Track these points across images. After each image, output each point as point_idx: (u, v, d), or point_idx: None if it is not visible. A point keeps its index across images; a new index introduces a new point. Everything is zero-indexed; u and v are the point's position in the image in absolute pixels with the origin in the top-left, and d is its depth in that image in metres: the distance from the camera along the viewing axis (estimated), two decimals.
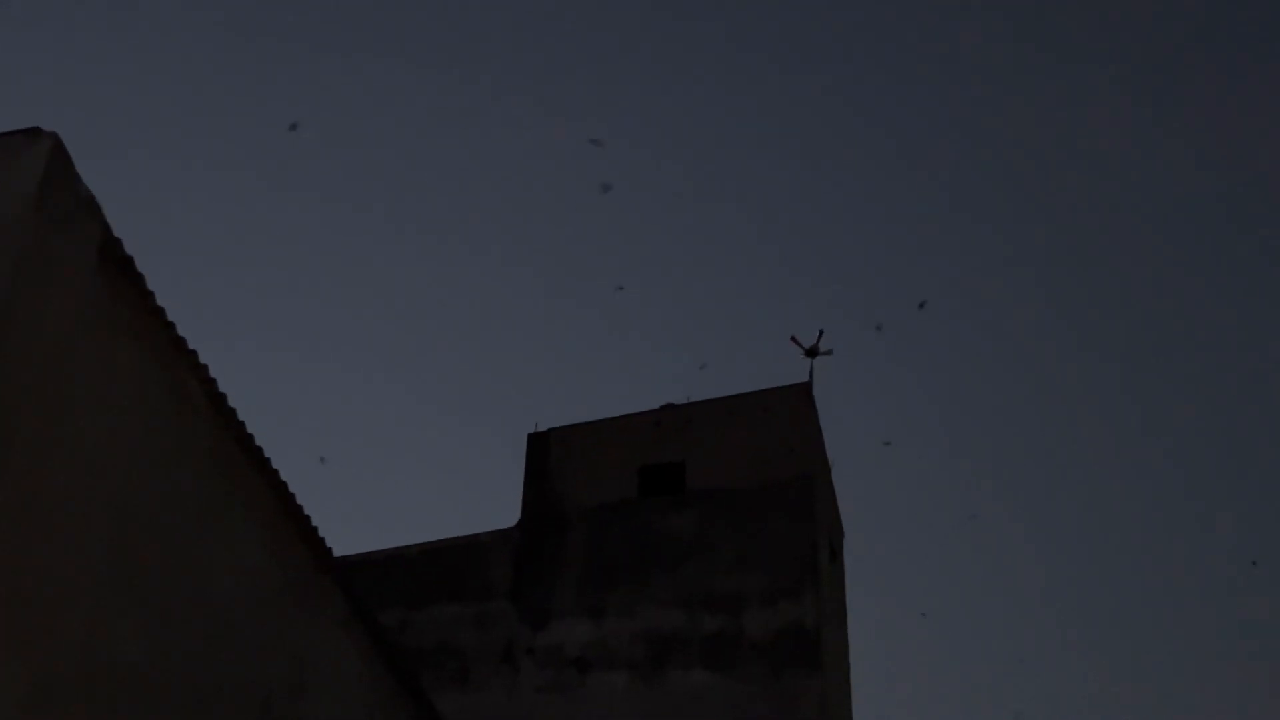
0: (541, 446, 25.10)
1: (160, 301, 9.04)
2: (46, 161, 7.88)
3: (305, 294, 56.76)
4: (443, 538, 24.17)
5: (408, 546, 24.49)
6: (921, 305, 50.40)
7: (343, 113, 54.86)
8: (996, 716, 53.18)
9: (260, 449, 9.93)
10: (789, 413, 24.19)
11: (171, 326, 9.19)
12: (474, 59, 55.09)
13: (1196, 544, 53.84)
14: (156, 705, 8.41)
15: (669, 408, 24.93)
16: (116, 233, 8.61)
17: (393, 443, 57.12)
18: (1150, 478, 55.12)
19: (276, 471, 10.22)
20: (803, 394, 24.47)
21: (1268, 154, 52.46)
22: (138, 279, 8.83)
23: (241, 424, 9.74)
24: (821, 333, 24.86)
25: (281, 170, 54.73)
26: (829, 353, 24.61)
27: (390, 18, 52.93)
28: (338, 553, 11.34)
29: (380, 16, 52.80)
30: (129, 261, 8.74)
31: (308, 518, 10.59)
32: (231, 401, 9.73)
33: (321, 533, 10.93)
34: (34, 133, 7.97)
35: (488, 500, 57.84)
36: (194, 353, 9.38)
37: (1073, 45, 53.31)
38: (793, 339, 25.08)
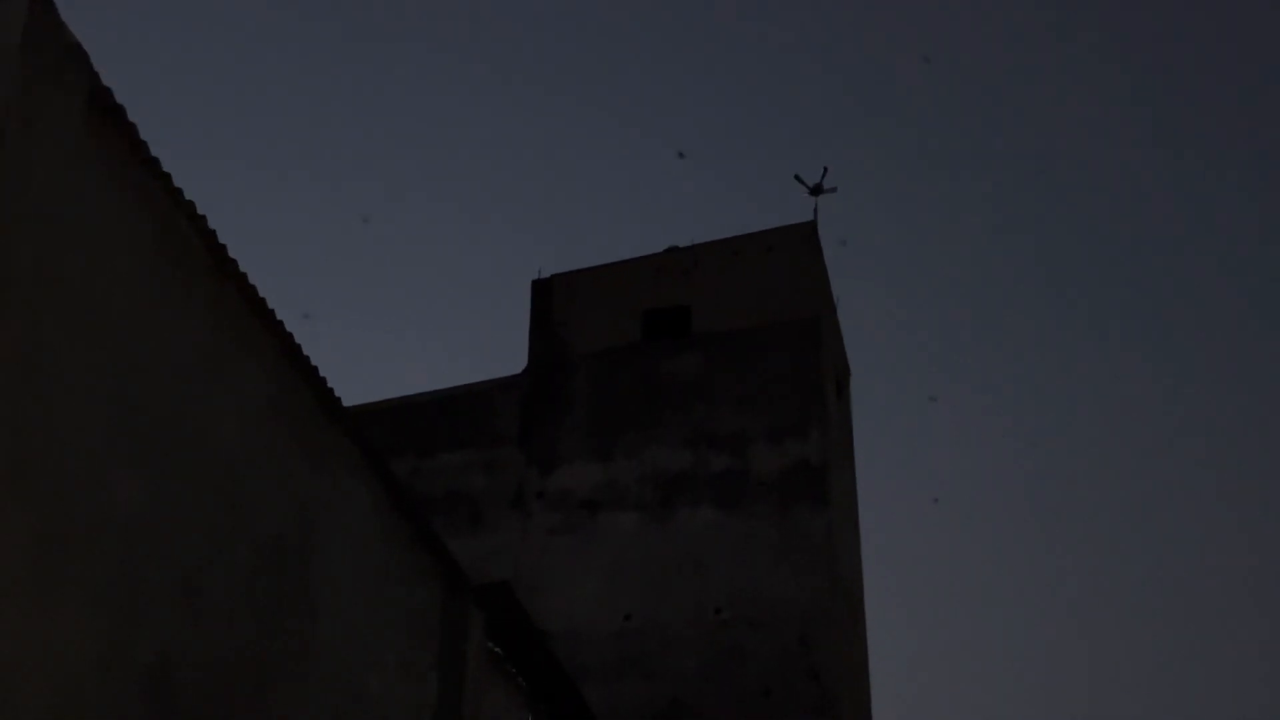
0: (546, 293, 25.09)
1: (154, 152, 8.88)
2: (29, 9, 7.66)
3: (306, 141, 56.17)
4: (450, 386, 24.32)
5: (416, 395, 24.64)
6: None
7: None
8: (999, 553, 54.04)
9: (263, 299, 9.85)
10: (793, 252, 24.10)
11: (167, 177, 9.04)
12: None
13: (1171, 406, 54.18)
14: (159, 555, 8.47)
15: (673, 251, 24.84)
16: (106, 81, 8.42)
17: (398, 292, 57.11)
18: (1142, 334, 55.15)
19: (281, 321, 10.15)
20: (807, 233, 24.34)
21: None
22: (129, 129, 8.66)
23: (242, 274, 9.64)
24: (826, 170, 24.61)
25: (277, 14, 53.65)
26: (833, 190, 24.38)
27: None
28: (346, 403, 11.32)
29: None
30: (120, 110, 8.56)
31: (314, 367, 10.55)
32: (231, 251, 9.63)
33: (329, 383, 10.90)
34: None
35: (494, 348, 58.05)
36: (191, 202, 9.25)
37: None
38: (796, 177, 24.85)
